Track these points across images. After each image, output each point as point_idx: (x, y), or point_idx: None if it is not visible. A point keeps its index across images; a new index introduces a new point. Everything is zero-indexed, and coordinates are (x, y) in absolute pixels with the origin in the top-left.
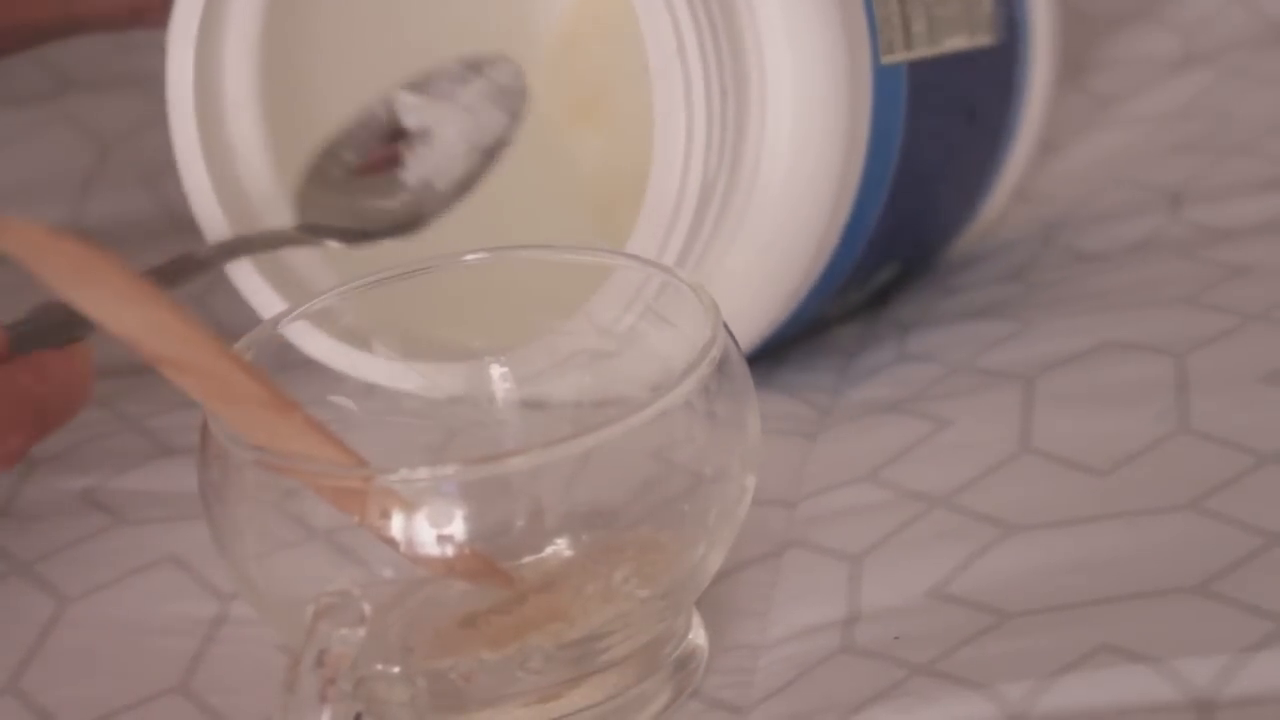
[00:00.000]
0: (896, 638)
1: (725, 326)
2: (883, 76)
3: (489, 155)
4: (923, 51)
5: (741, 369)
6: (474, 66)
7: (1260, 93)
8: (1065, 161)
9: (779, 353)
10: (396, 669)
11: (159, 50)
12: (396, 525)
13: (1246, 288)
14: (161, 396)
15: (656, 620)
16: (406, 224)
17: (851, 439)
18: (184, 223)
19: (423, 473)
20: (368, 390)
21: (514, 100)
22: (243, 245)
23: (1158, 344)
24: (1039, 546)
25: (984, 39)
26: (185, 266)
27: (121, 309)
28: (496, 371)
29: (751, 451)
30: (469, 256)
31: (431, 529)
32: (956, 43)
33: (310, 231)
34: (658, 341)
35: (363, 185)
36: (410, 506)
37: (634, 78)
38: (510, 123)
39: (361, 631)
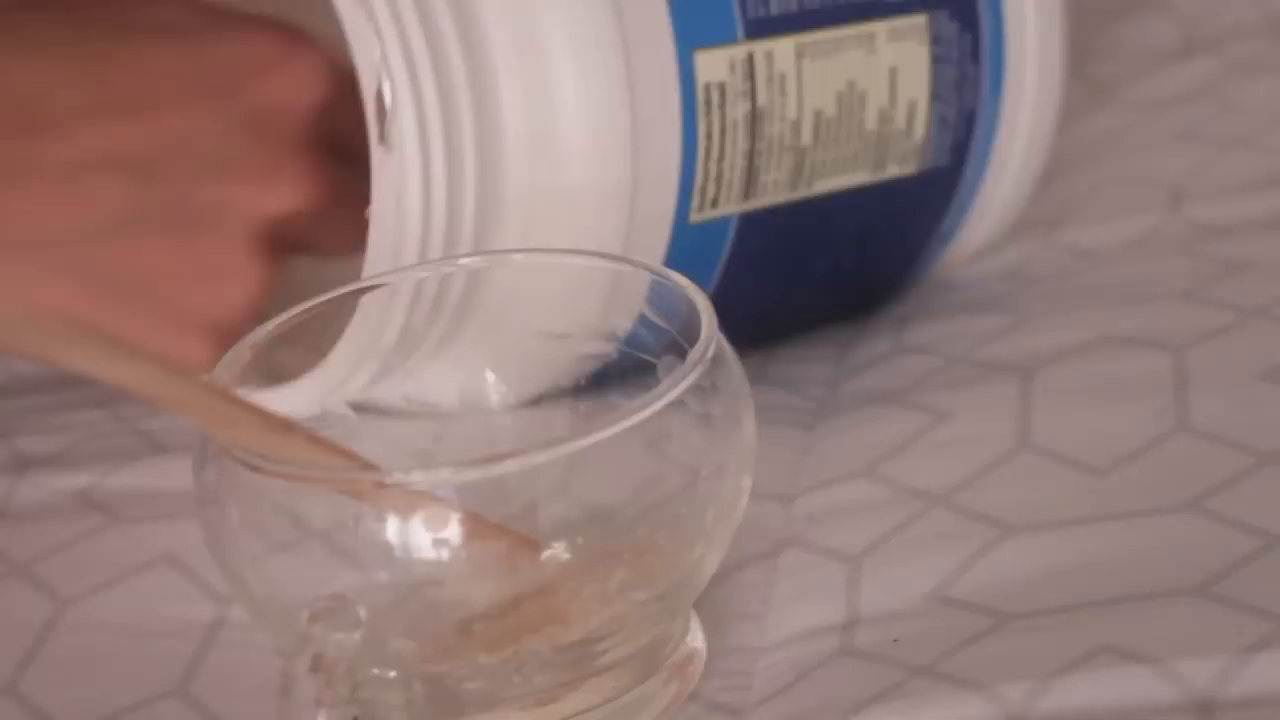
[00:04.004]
0: (896, 640)
1: (719, 327)
2: (690, 232)
3: None
4: (773, 199)
5: (736, 369)
6: None
7: (1261, 85)
8: (1064, 148)
9: (772, 347)
10: (393, 673)
11: None
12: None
13: (1245, 283)
14: None
15: (653, 623)
16: None
17: (849, 431)
18: None
19: (418, 476)
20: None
21: None
22: None
23: (1156, 339)
24: (1038, 547)
25: (903, 169)
26: None
27: (110, 367)
28: (490, 376)
29: (747, 452)
30: (462, 260)
31: (427, 532)
32: (845, 181)
33: None
34: (651, 342)
35: None
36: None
37: None
38: None
39: (357, 635)
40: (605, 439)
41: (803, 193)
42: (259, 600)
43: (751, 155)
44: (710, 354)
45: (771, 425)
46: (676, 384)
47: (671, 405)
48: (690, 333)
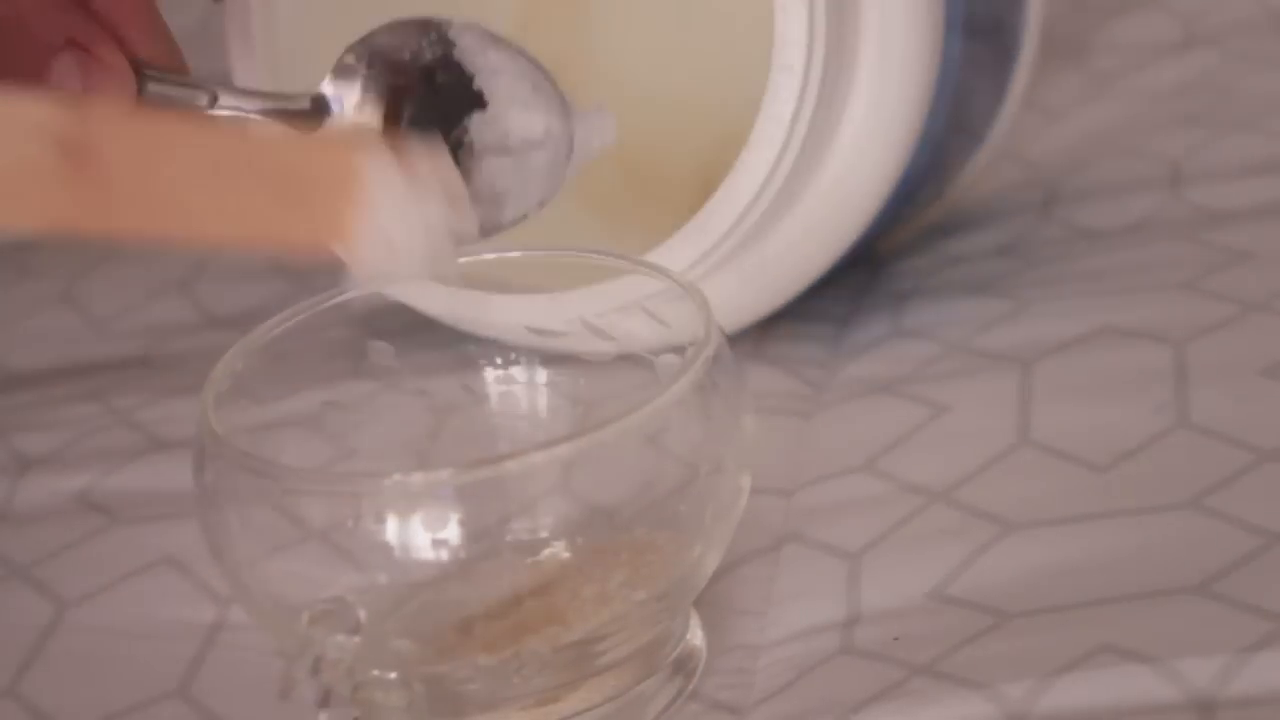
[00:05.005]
0: (896, 638)
1: (717, 325)
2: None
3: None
4: None
5: (734, 368)
6: None
7: (1260, 74)
8: (1064, 131)
9: (768, 323)
10: (394, 674)
11: None
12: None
13: (1247, 274)
14: (151, 387)
15: (653, 622)
16: None
17: (847, 422)
18: None
19: (418, 477)
20: (362, 383)
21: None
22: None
23: (1156, 331)
24: (1039, 546)
25: None
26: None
27: None
28: (489, 373)
29: (745, 450)
30: (461, 259)
31: (427, 532)
32: None
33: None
34: (652, 341)
35: None
36: None
37: (592, 54)
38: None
39: (356, 638)
40: (605, 438)
41: None
42: (259, 603)
43: None
44: (708, 352)
45: (770, 414)
46: (675, 382)
47: (670, 404)
48: (689, 331)
